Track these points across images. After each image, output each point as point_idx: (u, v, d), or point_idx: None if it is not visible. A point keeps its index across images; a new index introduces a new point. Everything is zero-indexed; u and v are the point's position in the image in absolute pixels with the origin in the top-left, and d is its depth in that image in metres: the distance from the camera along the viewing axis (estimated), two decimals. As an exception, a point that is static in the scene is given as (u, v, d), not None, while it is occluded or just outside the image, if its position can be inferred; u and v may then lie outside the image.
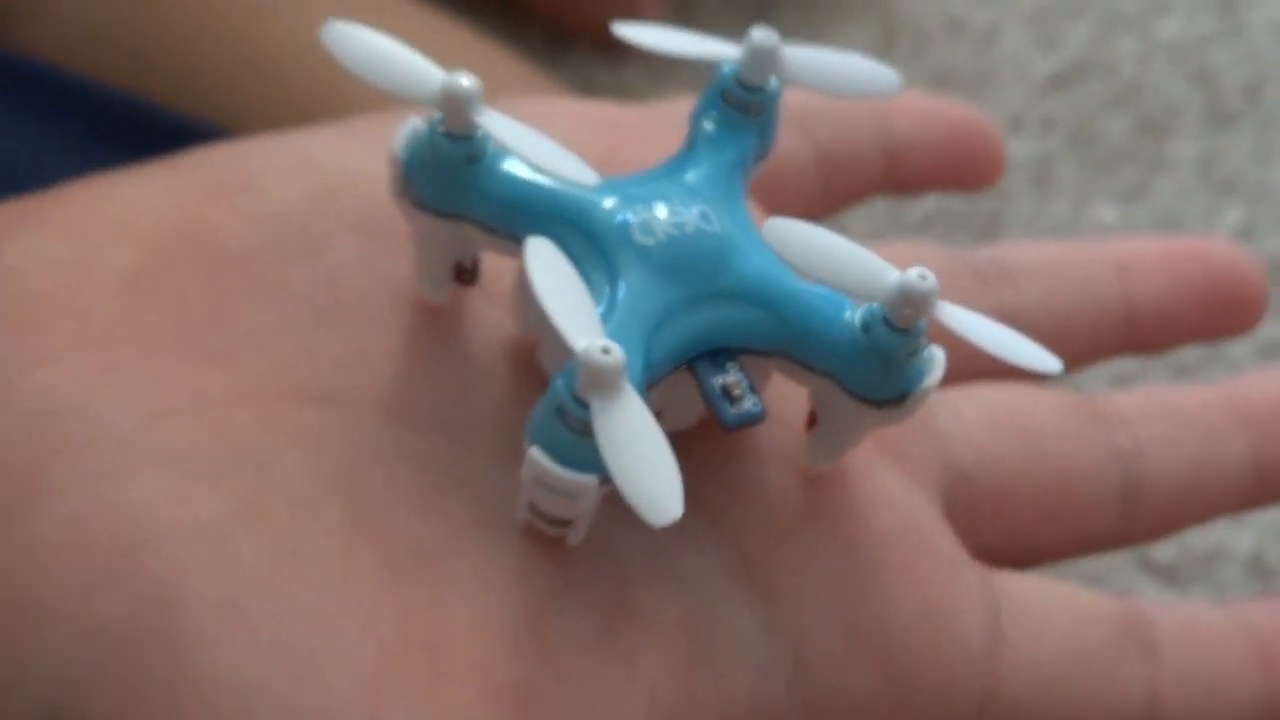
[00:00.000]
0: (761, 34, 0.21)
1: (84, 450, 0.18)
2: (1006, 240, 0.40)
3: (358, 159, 0.22)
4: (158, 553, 0.18)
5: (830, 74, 0.22)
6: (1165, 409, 0.25)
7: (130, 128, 0.30)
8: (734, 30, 0.46)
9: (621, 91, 0.45)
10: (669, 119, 0.24)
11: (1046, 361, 0.20)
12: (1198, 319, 0.26)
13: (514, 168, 0.20)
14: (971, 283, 0.25)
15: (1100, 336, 0.26)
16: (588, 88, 0.45)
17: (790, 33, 0.46)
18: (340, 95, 0.30)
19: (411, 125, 0.20)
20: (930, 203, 0.44)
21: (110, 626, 0.17)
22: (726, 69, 0.21)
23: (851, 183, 0.27)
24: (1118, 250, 0.26)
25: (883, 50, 0.47)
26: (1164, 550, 0.37)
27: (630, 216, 0.20)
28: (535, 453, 0.18)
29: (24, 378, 0.19)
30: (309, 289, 0.20)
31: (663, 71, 0.46)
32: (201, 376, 0.19)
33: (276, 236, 0.21)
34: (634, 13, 0.44)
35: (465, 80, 0.19)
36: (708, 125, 0.21)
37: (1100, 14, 0.48)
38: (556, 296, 0.18)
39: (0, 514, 0.18)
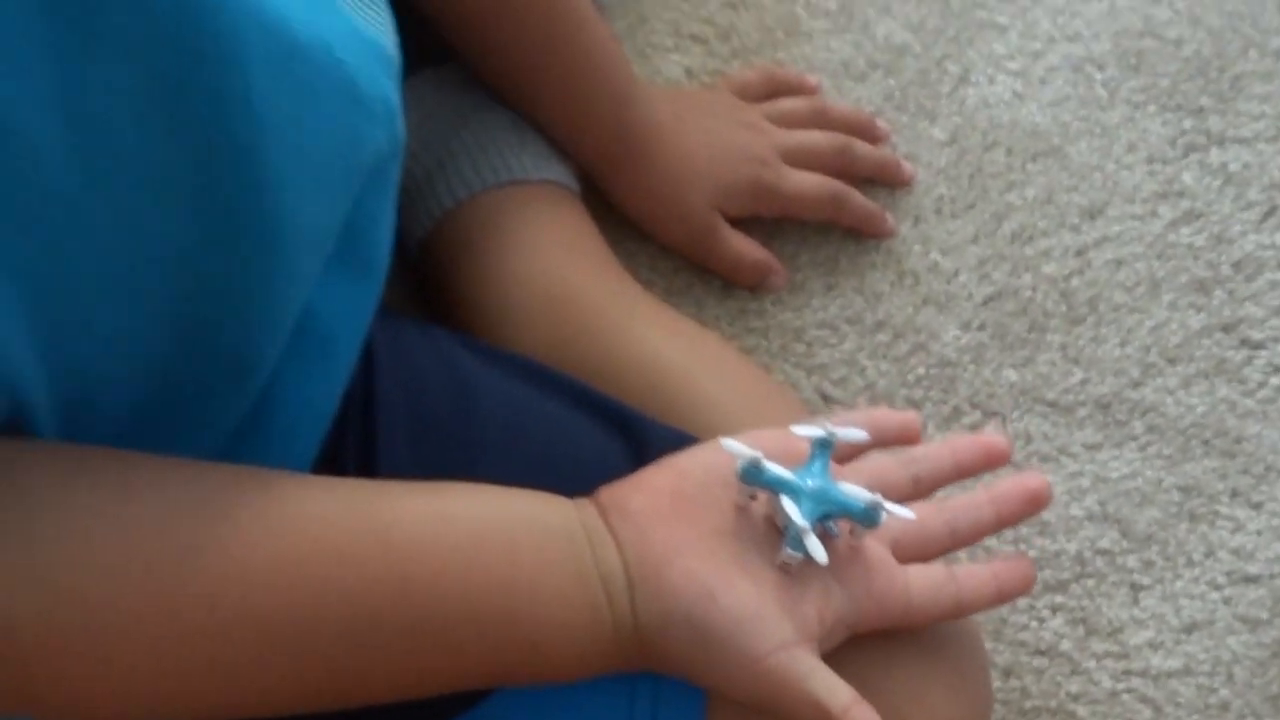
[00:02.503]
0: (826, 434, 0.62)
1: (680, 550, 0.59)
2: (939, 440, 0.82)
3: (718, 459, 0.62)
4: (689, 559, 0.59)
5: (843, 432, 0.63)
6: (965, 501, 0.64)
7: (589, 403, 0.71)
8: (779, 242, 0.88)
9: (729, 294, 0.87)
10: (799, 436, 0.64)
11: (908, 515, 0.62)
12: (981, 466, 0.65)
13: (770, 475, 0.61)
14: (898, 465, 0.65)
15: (943, 477, 0.64)
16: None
17: (824, 274, 0.88)
18: (687, 403, 0.73)
19: (741, 461, 0.60)
20: (920, 371, 0.85)
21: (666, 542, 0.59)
22: (822, 440, 0.62)
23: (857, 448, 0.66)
24: (950, 446, 0.66)
25: (894, 284, 0.88)
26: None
27: (799, 483, 0.61)
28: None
29: (652, 532, 0.59)
30: (710, 501, 0.60)
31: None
32: (694, 527, 0.60)
33: (698, 488, 0.61)
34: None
35: (756, 452, 0.60)
36: (817, 448, 0.62)
37: (1012, 263, 0.89)
38: (791, 508, 0.60)
39: (662, 560, 0.59)
